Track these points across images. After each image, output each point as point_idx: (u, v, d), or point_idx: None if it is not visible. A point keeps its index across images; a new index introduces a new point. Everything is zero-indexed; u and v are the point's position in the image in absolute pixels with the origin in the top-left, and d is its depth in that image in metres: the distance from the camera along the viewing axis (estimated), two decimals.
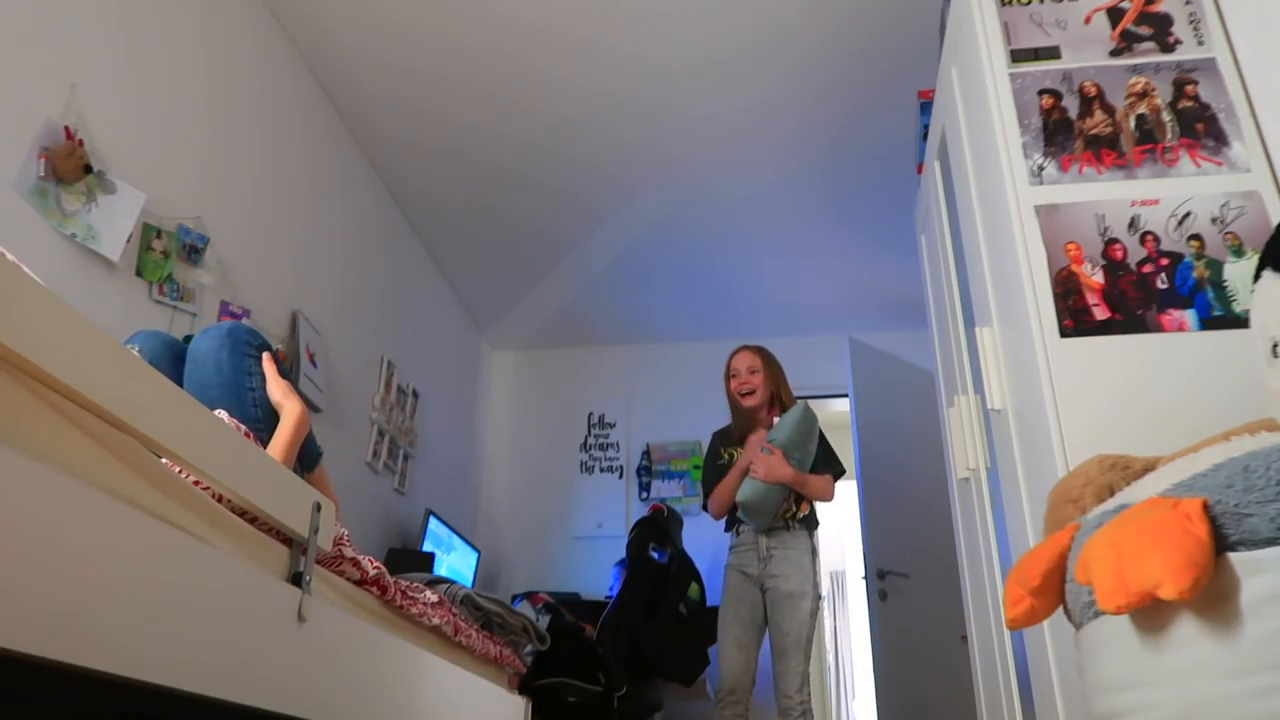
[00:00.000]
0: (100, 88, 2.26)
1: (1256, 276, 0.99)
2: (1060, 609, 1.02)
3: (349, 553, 1.30)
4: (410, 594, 1.55)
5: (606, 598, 4.04)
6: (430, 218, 4.24)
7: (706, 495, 2.99)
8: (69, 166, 2.08)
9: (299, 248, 3.24)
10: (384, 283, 4.00)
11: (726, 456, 3.00)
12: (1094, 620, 0.93)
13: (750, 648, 2.80)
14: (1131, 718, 0.85)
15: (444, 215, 4.22)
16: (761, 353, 3.03)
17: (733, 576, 2.88)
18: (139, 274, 2.36)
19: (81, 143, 2.13)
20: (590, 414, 5.35)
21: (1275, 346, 0.93)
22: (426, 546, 3.92)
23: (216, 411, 1.33)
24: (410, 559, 3.62)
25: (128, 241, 2.28)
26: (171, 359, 1.71)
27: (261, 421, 1.60)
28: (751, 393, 2.95)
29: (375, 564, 1.39)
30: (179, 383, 1.64)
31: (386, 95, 3.44)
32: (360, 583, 1.36)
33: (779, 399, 2.98)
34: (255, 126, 2.97)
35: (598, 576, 4.76)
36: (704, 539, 4.87)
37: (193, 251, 2.55)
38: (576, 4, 2.98)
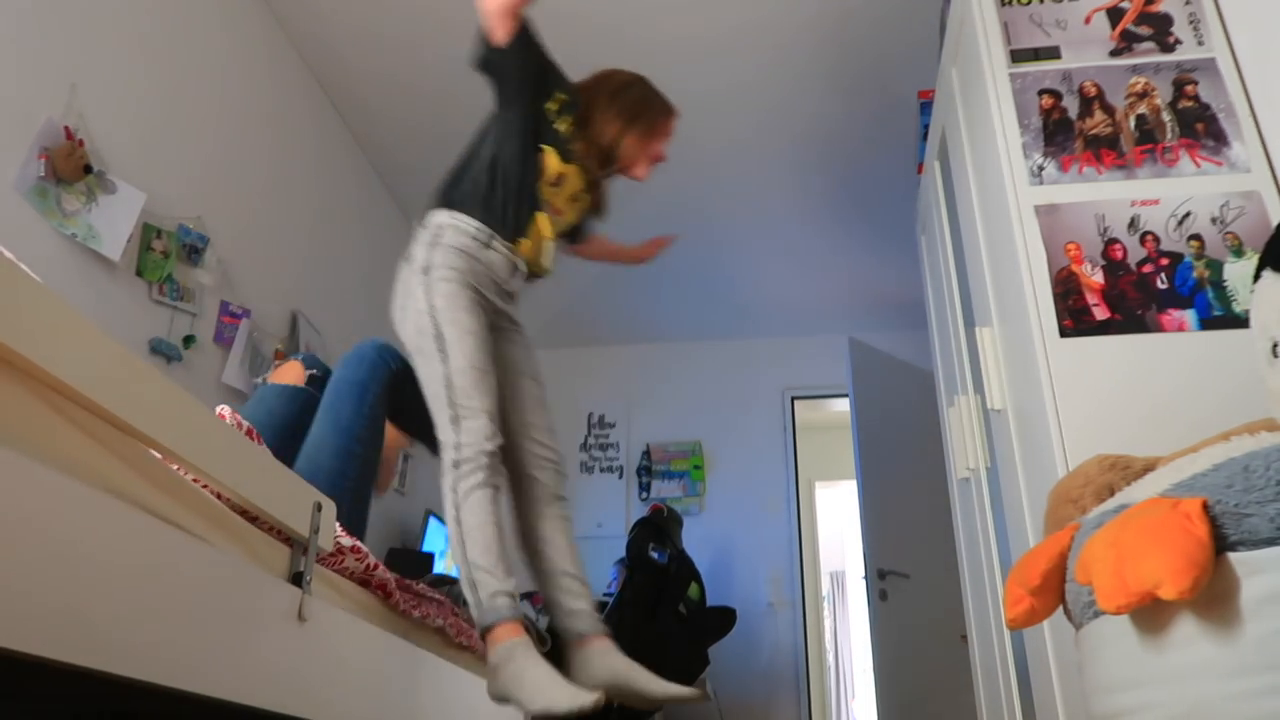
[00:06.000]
0: (100, 88, 2.26)
1: (1256, 276, 0.99)
2: (1060, 609, 1.02)
3: (358, 559, 1.31)
4: (413, 595, 1.56)
5: (605, 595, 4.04)
6: None
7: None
8: (69, 166, 2.08)
9: (299, 247, 3.24)
10: (384, 283, 3.99)
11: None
12: (1094, 620, 0.93)
13: None
14: (1132, 718, 0.85)
15: None
16: None
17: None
18: (139, 274, 2.36)
19: (81, 143, 2.13)
20: (590, 414, 5.34)
21: (1275, 346, 0.93)
22: (426, 546, 3.92)
23: (217, 410, 1.33)
24: (410, 559, 3.61)
25: (128, 241, 2.28)
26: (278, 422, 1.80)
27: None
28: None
29: (383, 569, 1.40)
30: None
31: (385, 89, 3.44)
32: (365, 585, 1.36)
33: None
34: (255, 126, 2.97)
35: (598, 577, 4.74)
36: (704, 539, 4.88)
37: (193, 251, 2.55)
38: None
